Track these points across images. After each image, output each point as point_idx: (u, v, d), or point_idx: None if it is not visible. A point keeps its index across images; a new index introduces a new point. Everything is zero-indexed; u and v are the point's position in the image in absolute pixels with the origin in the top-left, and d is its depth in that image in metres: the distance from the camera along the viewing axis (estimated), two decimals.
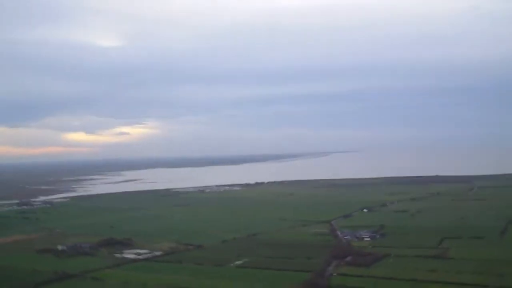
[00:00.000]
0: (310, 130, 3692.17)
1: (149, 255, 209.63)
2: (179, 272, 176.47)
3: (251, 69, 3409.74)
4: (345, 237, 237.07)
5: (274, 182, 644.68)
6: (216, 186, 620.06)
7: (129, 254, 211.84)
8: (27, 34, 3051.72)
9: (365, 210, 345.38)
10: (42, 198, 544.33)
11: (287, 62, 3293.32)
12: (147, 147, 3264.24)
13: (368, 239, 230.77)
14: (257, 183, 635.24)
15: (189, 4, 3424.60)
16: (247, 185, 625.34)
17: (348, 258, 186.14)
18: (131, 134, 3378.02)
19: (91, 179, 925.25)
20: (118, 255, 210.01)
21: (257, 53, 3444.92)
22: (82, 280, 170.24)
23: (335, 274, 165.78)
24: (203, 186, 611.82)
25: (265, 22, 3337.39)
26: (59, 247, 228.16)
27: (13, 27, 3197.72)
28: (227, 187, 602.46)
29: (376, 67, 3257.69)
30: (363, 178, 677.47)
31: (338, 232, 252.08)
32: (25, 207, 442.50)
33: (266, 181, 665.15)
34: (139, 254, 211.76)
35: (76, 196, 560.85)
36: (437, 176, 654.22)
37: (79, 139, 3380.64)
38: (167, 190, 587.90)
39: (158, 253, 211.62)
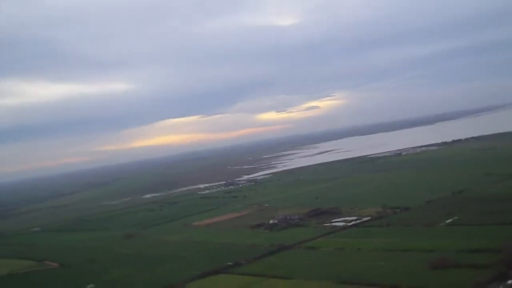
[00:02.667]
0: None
1: (357, 221, 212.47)
2: (390, 235, 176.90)
3: (434, 24, 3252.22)
4: None
5: (472, 138, 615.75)
6: (412, 148, 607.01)
7: (338, 222, 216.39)
8: (208, 25, 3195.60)
9: None
10: (245, 177, 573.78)
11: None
12: (337, 118, 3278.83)
13: None
14: (454, 141, 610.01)
15: None
16: (444, 143, 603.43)
17: None
18: (320, 107, 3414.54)
19: (288, 155, 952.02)
20: (327, 224, 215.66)
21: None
22: (297, 249, 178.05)
23: None
24: (399, 150, 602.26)
25: None
26: (271, 221, 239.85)
27: (197, 20, 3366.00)
28: (423, 148, 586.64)
29: None
30: None
31: None
32: (231, 187, 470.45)
33: (463, 137, 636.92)
34: (348, 221, 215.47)
35: (277, 172, 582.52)
36: None
37: (271, 118, 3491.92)
38: (364, 157, 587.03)
39: (365, 219, 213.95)
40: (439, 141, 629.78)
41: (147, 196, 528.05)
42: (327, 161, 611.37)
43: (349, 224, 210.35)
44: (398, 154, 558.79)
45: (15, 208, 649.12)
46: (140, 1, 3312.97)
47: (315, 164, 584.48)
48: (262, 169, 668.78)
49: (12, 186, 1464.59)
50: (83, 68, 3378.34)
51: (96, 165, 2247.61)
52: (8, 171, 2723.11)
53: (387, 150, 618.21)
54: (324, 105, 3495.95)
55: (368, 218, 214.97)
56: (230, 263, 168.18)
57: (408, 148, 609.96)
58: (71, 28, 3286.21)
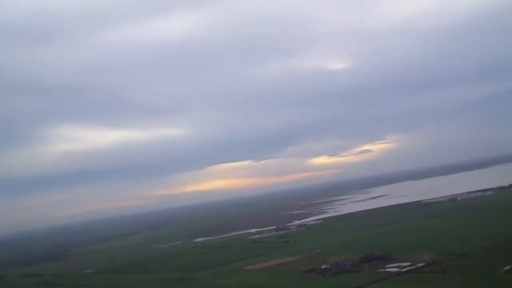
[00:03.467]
0: None
1: (411, 267, 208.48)
2: (446, 282, 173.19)
3: (484, 65, 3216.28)
4: None
5: None
6: (467, 192, 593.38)
7: (392, 268, 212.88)
8: (261, 70, 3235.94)
9: None
10: (296, 222, 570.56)
11: None
12: (390, 161, 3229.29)
13: None
14: (511, 185, 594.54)
15: (413, 9, 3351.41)
16: (500, 188, 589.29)
17: None
18: (373, 151, 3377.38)
19: (340, 199, 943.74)
20: (380, 270, 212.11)
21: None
22: None
23: None
24: (454, 194, 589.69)
25: None
26: (323, 266, 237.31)
27: (248, 65, 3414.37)
28: (479, 193, 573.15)
29: None
30: None
31: None
32: (282, 231, 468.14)
33: None
34: (402, 267, 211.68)
35: (328, 217, 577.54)
36: None
37: (323, 163, 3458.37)
38: (417, 202, 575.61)
39: (420, 265, 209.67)
40: (496, 185, 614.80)
41: (198, 239, 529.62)
42: (379, 206, 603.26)
43: (403, 270, 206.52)
44: (453, 199, 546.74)
45: (71, 250, 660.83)
46: (193, 49, 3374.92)
47: (367, 210, 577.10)
48: (314, 214, 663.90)
49: (70, 228, 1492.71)
50: (138, 114, 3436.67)
51: (150, 208, 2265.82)
52: (67, 214, 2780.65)
53: (442, 195, 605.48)
54: (377, 149, 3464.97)
55: (423, 264, 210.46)
56: None
57: (463, 193, 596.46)
58: (125, 75, 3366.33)
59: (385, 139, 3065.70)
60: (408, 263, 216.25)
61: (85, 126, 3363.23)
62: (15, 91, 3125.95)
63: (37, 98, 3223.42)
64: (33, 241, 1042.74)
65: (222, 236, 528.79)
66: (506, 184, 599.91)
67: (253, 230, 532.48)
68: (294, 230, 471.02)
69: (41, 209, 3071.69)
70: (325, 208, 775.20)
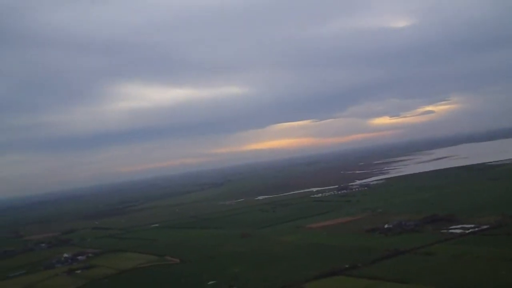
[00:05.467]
0: None
1: (475, 229, 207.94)
2: (510, 244, 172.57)
3: None
4: None
5: None
6: None
7: (455, 229, 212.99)
8: (319, 30, 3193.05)
9: None
10: (358, 181, 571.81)
11: None
12: (453, 123, 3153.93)
13: None
14: None
15: None
16: None
17: None
18: (435, 112, 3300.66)
19: (401, 160, 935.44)
20: (443, 231, 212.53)
21: None
22: (414, 255, 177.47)
23: None
24: None
25: None
26: (385, 226, 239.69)
27: (309, 24, 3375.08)
28: None
29: None
30: None
31: None
32: (344, 191, 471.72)
33: None
34: (465, 228, 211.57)
35: (390, 178, 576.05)
36: None
37: (384, 123, 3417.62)
38: (481, 164, 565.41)
39: (484, 227, 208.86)
40: None
41: (260, 197, 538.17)
42: (442, 167, 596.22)
43: (467, 231, 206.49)
44: None
45: (136, 205, 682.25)
46: (252, 6, 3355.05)
47: (429, 171, 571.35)
48: (375, 175, 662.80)
49: (133, 184, 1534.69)
50: (197, 72, 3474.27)
51: (209, 166, 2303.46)
52: (128, 170, 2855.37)
53: (507, 158, 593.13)
54: (440, 110, 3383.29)
55: (487, 226, 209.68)
56: (346, 266, 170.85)
57: None
58: (183, 32, 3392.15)
59: (448, 99, 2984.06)
60: (471, 225, 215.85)
61: (145, 84, 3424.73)
62: (79, 50, 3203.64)
63: (99, 57, 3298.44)
64: (99, 196, 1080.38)
65: (284, 194, 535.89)
66: None
67: (314, 189, 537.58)
68: (356, 189, 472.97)
69: (105, 165, 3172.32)
70: (386, 168, 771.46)
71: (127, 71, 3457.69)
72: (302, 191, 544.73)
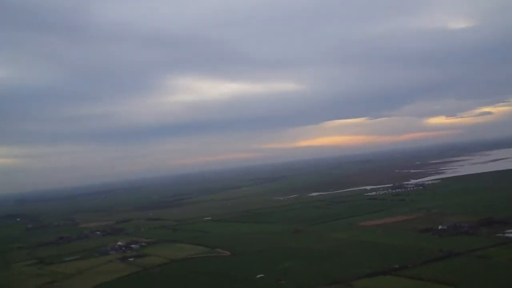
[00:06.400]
0: None
1: None
2: None
3: None
4: None
5: None
6: None
7: (511, 234, 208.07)
8: (376, 29, 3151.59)
9: None
10: (413, 181, 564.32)
11: None
12: (511, 125, 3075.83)
13: None
14: None
15: None
16: None
17: None
18: (493, 113, 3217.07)
19: (458, 161, 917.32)
20: (499, 234, 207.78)
21: None
22: (467, 258, 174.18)
23: None
24: None
25: None
26: (440, 227, 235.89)
27: (363, 23, 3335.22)
28: None
29: None
30: None
31: None
32: (399, 190, 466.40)
33: None
34: None
35: (446, 178, 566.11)
36: None
37: (440, 123, 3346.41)
38: None
39: None
40: None
41: (313, 194, 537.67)
42: (499, 169, 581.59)
43: None
44: None
45: (189, 198, 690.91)
46: (310, 4, 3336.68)
47: (486, 172, 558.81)
48: (430, 174, 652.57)
49: (187, 177, 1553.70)
50: (251, 67, 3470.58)
51: (262, 162, 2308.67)
52: (182, 163, 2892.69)
53: None
54: (498, 111, 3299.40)
55: None
56: (396, 266, 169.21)
57: None
58: (238, 28, 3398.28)
59: (507, 101, 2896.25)
60: None
61: (202, 78, 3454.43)
62: (141, 44, 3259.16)
63: (159, 50, 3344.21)
64: (153, 188, 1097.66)
65: (338, 191, 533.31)
66: None
67: (368, 187, 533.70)
68: (411, 189, 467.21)
69: (160, 157, 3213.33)
70: (442, 168, 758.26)
71: (186, 65, 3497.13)
72: (356, 188, 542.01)
